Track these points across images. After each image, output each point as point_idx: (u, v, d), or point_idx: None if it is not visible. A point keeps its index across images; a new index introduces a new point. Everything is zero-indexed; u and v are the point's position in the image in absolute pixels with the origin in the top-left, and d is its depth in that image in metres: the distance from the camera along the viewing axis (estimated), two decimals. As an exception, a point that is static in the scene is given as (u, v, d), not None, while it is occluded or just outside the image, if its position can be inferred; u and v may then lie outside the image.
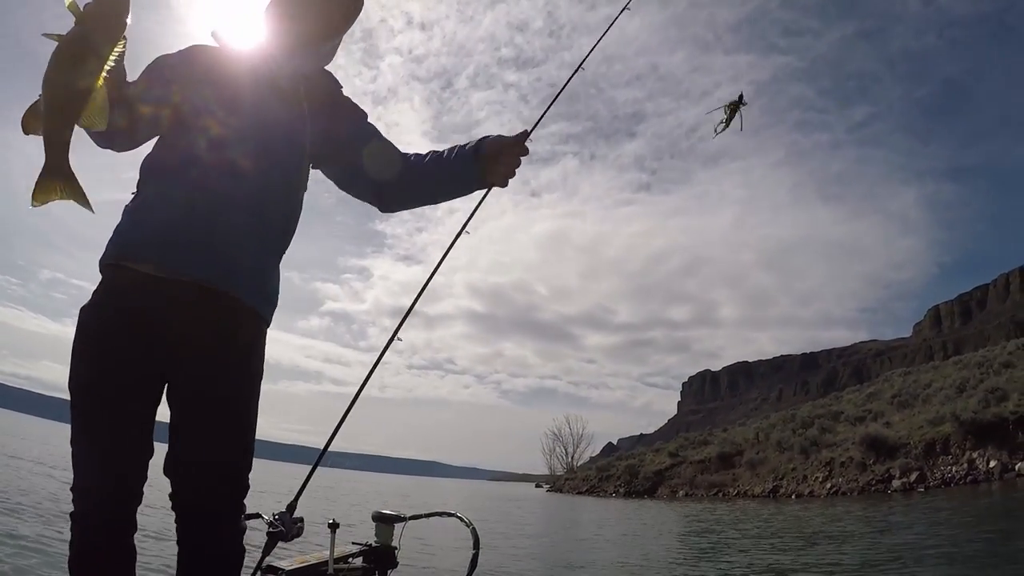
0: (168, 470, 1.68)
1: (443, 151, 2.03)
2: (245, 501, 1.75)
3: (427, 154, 2.05)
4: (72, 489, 1.60)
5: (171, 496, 1.67)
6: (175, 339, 1.64)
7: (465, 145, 2.00)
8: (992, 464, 17.43)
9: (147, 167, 1.76)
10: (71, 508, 1.61)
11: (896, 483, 19.28)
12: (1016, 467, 16.81)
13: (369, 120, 2.06)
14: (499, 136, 1.99)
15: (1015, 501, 13.75)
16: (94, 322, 1.64)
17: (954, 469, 18.28)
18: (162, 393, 1.69)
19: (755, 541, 11.02)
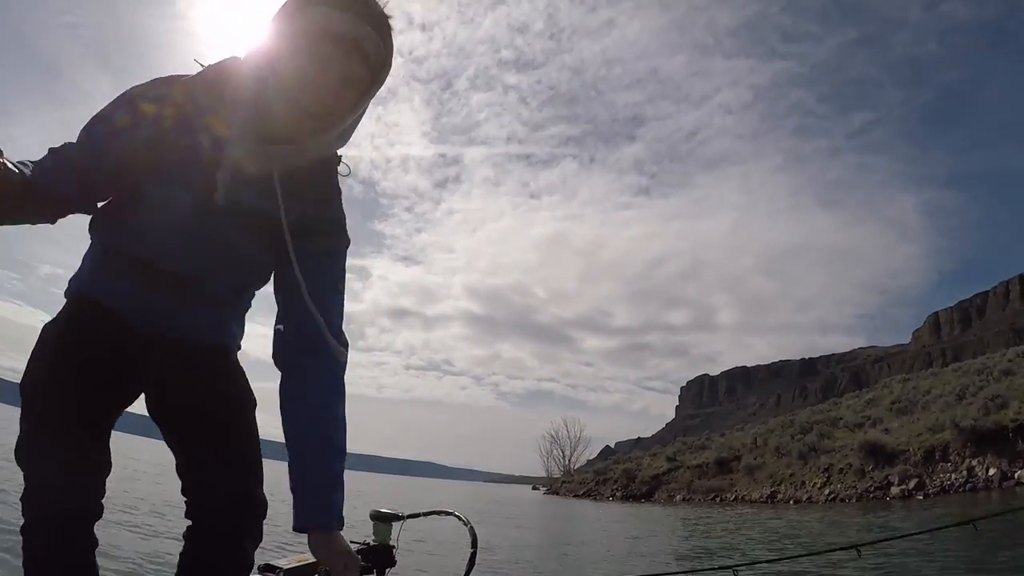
0: (185, 491, 1.65)
1: (313, 449, 1.52)
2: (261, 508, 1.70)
3: (314, 413, 1.54)
4: (23, 499, 1.47)
5: (188, 514, 1.64)
6: (147, 367, 1.60)
7: (315, 492, 1.48)
8: (991, 472, 17.40)
9: (101, 227, 1.61)
10: (22, 521, 1.48)
11: (895, 490, 19.25)
12: (1016, 475, 16.77)
13: (340, 273, 1.65)
14: (327, 548, 1.45)
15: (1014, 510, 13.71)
16: (57, 336, 1.55)
17: (953, 477, 18.25)
18: (126, 406, 1.63)
19: (754, 546, 10.98)
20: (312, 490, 1.48)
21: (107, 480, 1.57)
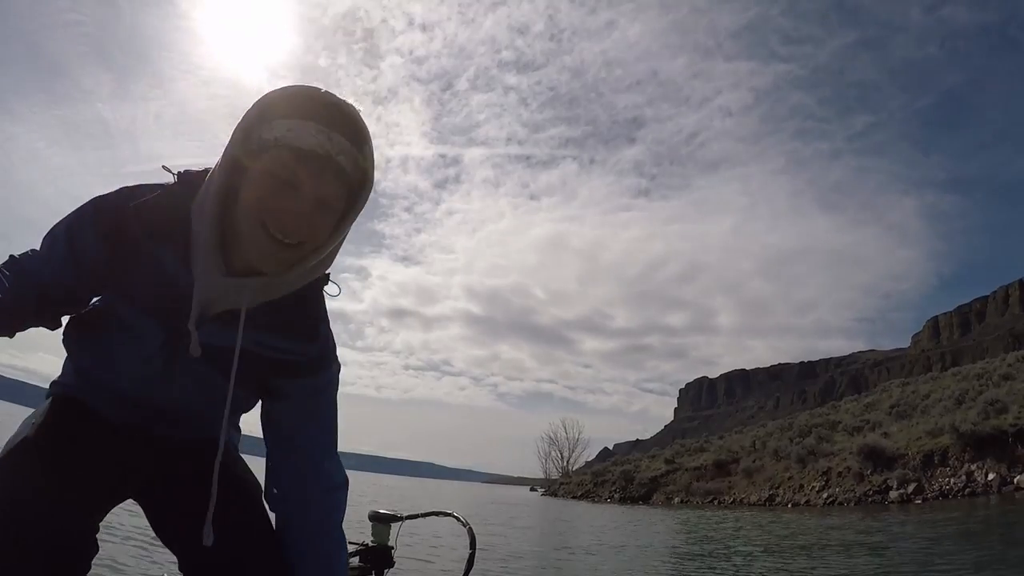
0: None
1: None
2: None
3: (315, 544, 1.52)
4: None
5: None
6: (135, 466, 1.50)
7: None
8: (991, 477, 17.38)
9: (72, 347, 1.51)
10: None
11: (893, 494, 19.24)
12: (1015, 480, 16.76)
13: (325, 397, 1.54)
14: None
15: (1014, 514, 13.70)
16: (37, 436, 1.37)
17: (952, 481, 18.23)
18: (112, 506, 1.49)
19: (753, 549, 10.96)
20: None
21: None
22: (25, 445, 1.33)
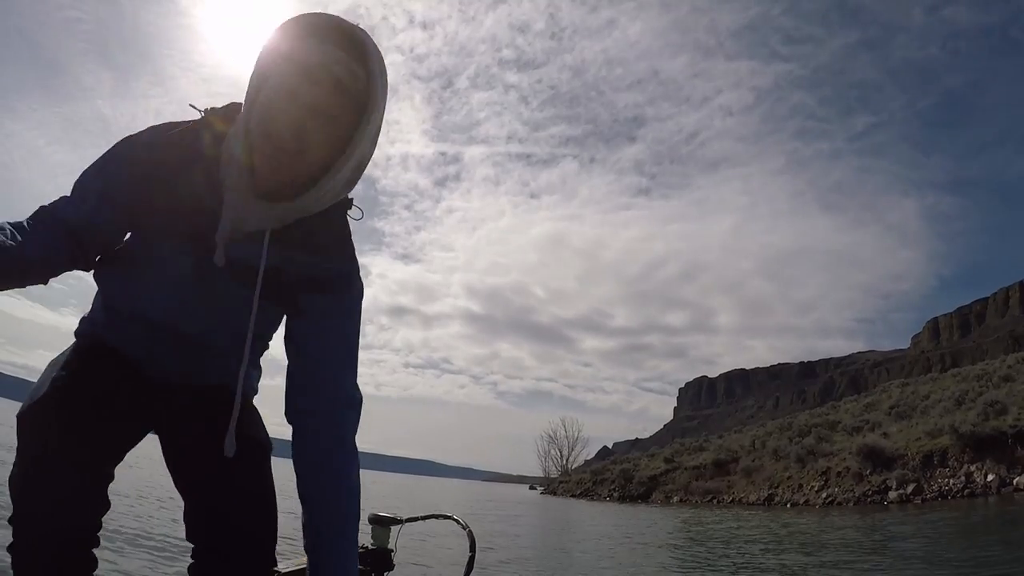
0: (191, 537, 1.54)
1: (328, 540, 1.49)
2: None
3: (327, 498, 1.50)
4: (12, 523, 1.40)
5: (193, 557, 1.54)
6: (154, 407, 1.57)
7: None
8: (990, 478, 17.38)
9: (102, 281, 1.57)
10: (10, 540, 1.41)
11: (893, 494, 19.23)
12: (1014, 481, 16.76)
13: (348, 325, 1.57)
14: None
15: (1013, 515, 13.69)
16: (63, 375, 1.46)
17: (951, 482, 18.22)
18: (131, 445, 1.58)
19: (752, 548, 10.95)
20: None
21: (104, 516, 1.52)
22: (45, 401, 1.41)
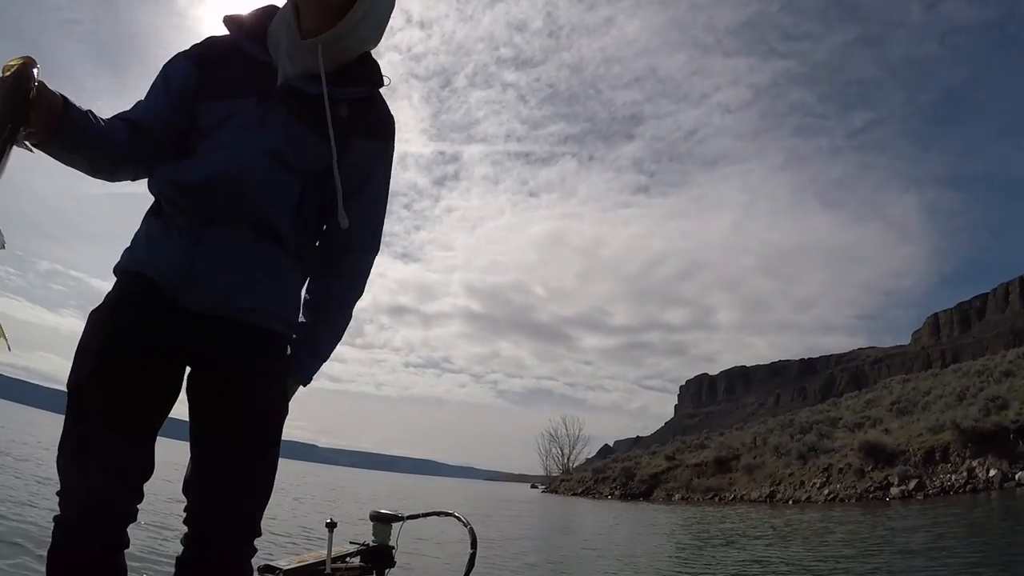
0: (185, 489, 1.56)
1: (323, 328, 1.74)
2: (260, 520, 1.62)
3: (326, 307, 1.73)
4: (59, 494, 1.47)
5: (185, 515, 1.56)
6: (196, 359, 1.55)
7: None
8: (992, 473, 17.39)
9: (160, 171, 1.61)
10: (56, 512, 1.47)
11: (895, 490, 19.23)
12: (1016, 476, 16.77)
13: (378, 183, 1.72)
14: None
15: (1015, 510, 13.69)
16: (107, 321, 1.52)
17: (953, 477, 18.24)
18: (172, 403, 1.59)
19: (756, 544, 10.95)
20: (301, 356, 1.68)
21: (148, 482, 1.55)
22: (85, 340, 1.51)
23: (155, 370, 1.50)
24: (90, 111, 1.43)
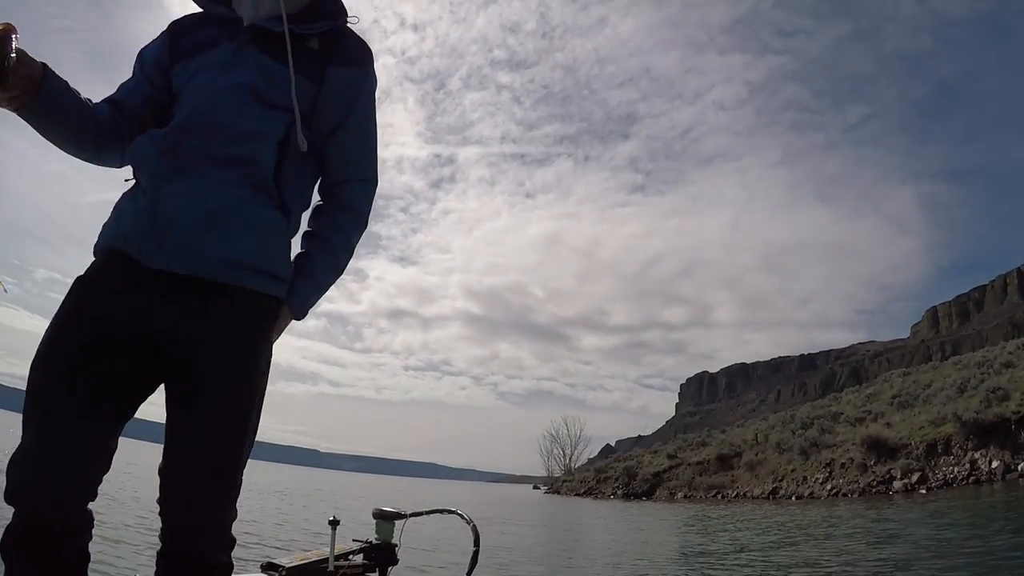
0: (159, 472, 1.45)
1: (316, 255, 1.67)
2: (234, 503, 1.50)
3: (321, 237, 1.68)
4: (4, 494, 1.35)
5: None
6: (162, 329, 1.42)
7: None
8: (994, 464, 17.38)
9: (129, 161, 1.60)
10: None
11: (897, 484, 19.23)
12: (1019, 467, 16.77)
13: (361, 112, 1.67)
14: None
15: (1019, 501, 13.68)
16: (64, 303, 1.45)
17: (956, 470, 18.23)
18: (145, 383, 1.48)
19: (766, 542, 10.93)
20: (295, 281, 1.60)
21: (105, 477, 1.44)
22: (49, 328, 1.45)
23: (110, 345, 1.41)
24: (74, 89, 1.47)
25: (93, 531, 1.47)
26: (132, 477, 14.02)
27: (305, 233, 1.67)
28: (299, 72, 1.54)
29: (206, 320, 1.43)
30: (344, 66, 1.62)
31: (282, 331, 1.61)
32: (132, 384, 1.46)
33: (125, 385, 1.45)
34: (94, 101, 1.53)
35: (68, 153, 1.55)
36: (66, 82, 1.45)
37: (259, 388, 1.51)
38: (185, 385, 1.43)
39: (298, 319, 1.63)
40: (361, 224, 1.71)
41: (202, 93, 1.51)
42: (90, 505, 1.43)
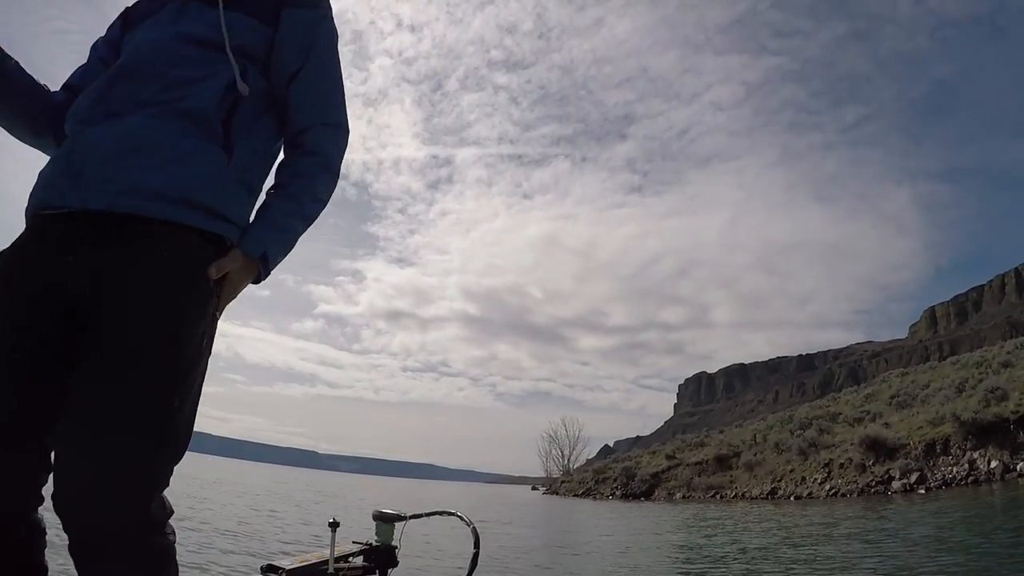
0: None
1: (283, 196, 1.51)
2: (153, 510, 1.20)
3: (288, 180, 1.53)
4: None
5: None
6: (79, 288, 1.24)
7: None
8: (993, 464, 17.38)
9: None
10: None
11: (896, 484, 19.22)
12: (1017, 467, 16.76)
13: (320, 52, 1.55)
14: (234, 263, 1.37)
15: (1018, 501, 13.68)
16: None
17: (955, 470, 18.23)
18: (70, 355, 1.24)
19: (756, 540, 10.92)
20: (251, 225, 1.45)
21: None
22: None
23: (33, 321, 1.23)
24: (28, 73, 1.46)
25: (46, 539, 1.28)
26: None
27: (268, 190, 1.53)
28: (252, 15, 1.47)
29: (119, 262, 1.23)
30: (299, 7, 1.53)
31: (240, 283, 1.40)
32: (63, 362, 1.24)
33: (55, 364, 1.23)
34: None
35: (25, 141, 1.51)
36: (17, 62, 1.41)
37: (184, 341, 1.25)
38: (90, 338, 1.21)
39: (261, 273, 1.43)
40: (328, 170, 1.55)
41: (142, 43, 1.43)
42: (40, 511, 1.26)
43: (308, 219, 1.51)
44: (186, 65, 1.38)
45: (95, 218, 1.24)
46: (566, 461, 67.58)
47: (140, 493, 1.17)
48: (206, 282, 1.30)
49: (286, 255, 1.50)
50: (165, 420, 1.19)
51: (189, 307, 1.26)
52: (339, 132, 1.57)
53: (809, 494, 22.20)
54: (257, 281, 1.45)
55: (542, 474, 71.51)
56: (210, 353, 1.35)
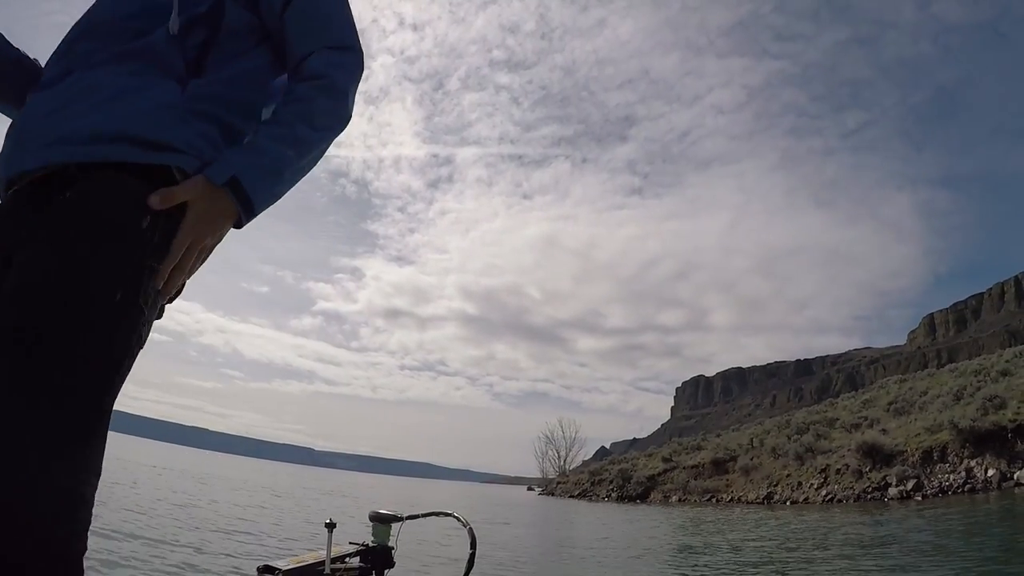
0: None
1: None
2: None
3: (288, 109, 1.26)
4: None
5: None
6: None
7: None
8: (990, 472, 17.38)
9: None
10: None
11: (893, 491, 19.22)
12: (1015, 476, 16.76)
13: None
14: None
15: (1015, 509, 13.68)
16: None
17: (952, 477, 18.23)
18: None
19: (751, 545, 10.91)
20: (227, 152, 1.22)
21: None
22: None
23: None
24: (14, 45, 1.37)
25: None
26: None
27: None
28: None
29: (40, 222, 1.10)
30: None
31: (207, 219, 1.16)
32: None
33: None
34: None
35: (10, 116, 1.37)
36: (2, 34, 1.33)
37: (85, 302, 1.03)
38: None
39: (240, 211, 1.19)
40: (330, 94, 1.31)
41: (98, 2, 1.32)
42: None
43: (302, 144, 1.25)
44: (143, 17, 1.25)
45: (38, 180, 1.13)
46: (562, 462, 67.69)
47: (43, 484, 0.94)
48: (134, 226, 1.09)
49: (278, 186, 1.24)
50: (82, 407, 1.00)
51: (96, 260, 1.05)
52: (346, 54, 1.36)
53: (805, 499, 22.20)
54: (239, 223, 1.21)
55: (538, 475, 71.64)
56: (154, 312, 1.14)
